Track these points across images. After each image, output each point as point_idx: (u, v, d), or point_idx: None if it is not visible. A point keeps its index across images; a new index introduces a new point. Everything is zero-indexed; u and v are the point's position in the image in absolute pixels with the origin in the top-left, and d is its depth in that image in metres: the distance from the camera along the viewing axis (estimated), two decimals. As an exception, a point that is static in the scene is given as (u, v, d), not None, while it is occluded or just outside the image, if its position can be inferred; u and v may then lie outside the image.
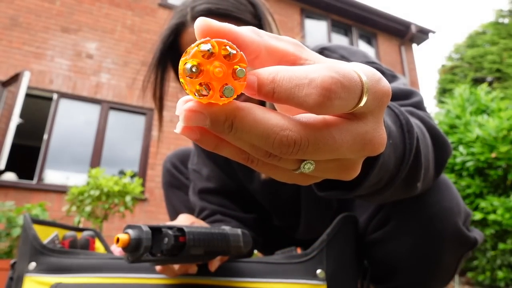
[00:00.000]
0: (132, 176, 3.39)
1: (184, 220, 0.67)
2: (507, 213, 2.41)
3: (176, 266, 0.53)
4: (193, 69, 0.19)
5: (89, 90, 4.55)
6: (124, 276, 0.56)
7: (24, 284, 0.56)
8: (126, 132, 4.77)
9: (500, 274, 2.51)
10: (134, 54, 4.94)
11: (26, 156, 5.83)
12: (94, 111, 4.57)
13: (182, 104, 0.20)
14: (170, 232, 0.46)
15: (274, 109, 0.23)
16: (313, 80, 0.19)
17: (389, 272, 0.61)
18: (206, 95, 0.19)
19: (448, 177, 0.64)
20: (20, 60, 4.30)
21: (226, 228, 0.53)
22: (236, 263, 0.59)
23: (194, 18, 0.64)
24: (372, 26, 7.58)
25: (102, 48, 4.81)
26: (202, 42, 0.19)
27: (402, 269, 0.59)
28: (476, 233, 0.59)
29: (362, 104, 0.21)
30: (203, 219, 0.79)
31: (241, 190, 0.83)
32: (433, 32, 8.07)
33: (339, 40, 7.31)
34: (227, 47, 0.19)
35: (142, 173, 4.51)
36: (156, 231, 0.47)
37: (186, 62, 0.19)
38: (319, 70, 0.20)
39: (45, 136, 4.24)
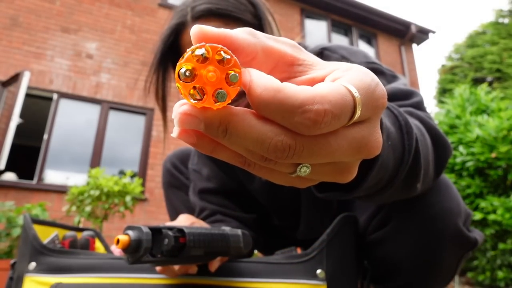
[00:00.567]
0: (132, 176, 3.40)
1: (184, 220, 0.67)
2: (507, 213, 2.41)
3: (176, 267, 0.53)
4: (187, 73, 0.19)
5: (89, 90, 4.55)
6: (124, 276, 0.56)
7: (24, 284, 0.56)
8: (126, 132, 4.77)
9: (500, 274, 2.51)
10: (134, 54, 4.94)
11: (26, 156, 5.83)
12: (94, 111, 4.57)
13: (178, 108, 0.20)
14: (170, 233, 0.46)
15: None
16: (306, 112, 0.19)
17: (389, 272, 0.61)
18: (200, 99, 0.20)
19: (448, 177, 0.64)
20: (20, 60, 4.30)
21: (226, 229, 0.53)
22: (236, 263, 0.59)
23: (194, 18, 0.64)
24: (372, 26, 7.58)
25: (102, 48, 4.81)
26: (197, 47, 0.19)
27: (402, 269, 0.59)
28: (476, 234, 0.59)
29: (355, 118, 0.22)
30: (203, 219, 0.79)
31: (241, 190, 0.83)
32: (433, 32, 8.07)
33: (339, 40, 7.31)
34: (221, 52, 0.20)
35: (142, 173, 4.51)
36: (156, 232, 0.47)
37: (181, 67, 0.19)
38: (312, 98, 0.20)
39: (45, 136, 4.24)
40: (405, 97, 0.55)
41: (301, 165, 0.23)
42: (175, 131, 0.21)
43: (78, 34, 4.73)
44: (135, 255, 0.45)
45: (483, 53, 9.94)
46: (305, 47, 0.68)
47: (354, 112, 0.21)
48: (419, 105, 0.53)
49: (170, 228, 0.48)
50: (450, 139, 2.88)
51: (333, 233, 0.59)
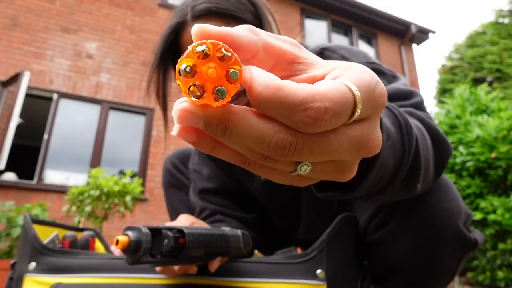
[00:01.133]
0: (132, 176, 3.40)
1: (184, 220, 0.66)
2: (507, 213, 2.41)
3: (176, 267, 0.53)
4: (187, 70, 0.19)
5: (89, 90, 4.55)
6: (124, 276, 0.56)
7: (24, 284, 0.56)
8: (126, 132, 4.77)
9: (500, 274, 2.51)
10: (134, 54, 4.93)
11: (26, 156, 5.84)
12: (94, 111, 4.57)
13: (177, 105, 0.20)
14: (170, 233, 0.46)
15: None
16: (307, 109, 0.19)
17: (389, 273, 0.61)
18: (200, 96, 0.20)
19: (448, 177, 0.64)
20: (20, 60, 4.30)
21: (226, 229, 0.53)
22: (236, 263, 0.59)
23: (194, 18, 0.63)
24: (372, 26, 7.58)
25: (102, 48, 4.81)
26: (198, 44, 0.19)
27: (402, 269, 0.59)
28: (477, 234, 0.59)
29: (355, 116, 0.22)
30: (204, 219, 0.79)
31: (241, 190, 0.83)
32: (433, 32, 8.07)
33: (339, 40, 7.31)
34: (222, 49, 0.20)
35: (142, 173, 4.51)
36: (156, 232, 0.47)
37: (182, 63, 0.19)
38: (313, 96, 0.20)
39: (45, 136, 4.24)
40: (405, 97, 0.55)
41: (302, 164, 0.23)
42: (175, 129, 0.21)
43: (78, 34, 4.73)
44: (134, 256, 0.45)
45: (483, 53, 9.94)
46: (306, 47, 0.68)
47: (354, 110, 0.21)
48: (419, 105, 0.53)
49: (170, 229, 0.48)
50: (450, 139, 2.88)
51: (333, 233, 0.59)
